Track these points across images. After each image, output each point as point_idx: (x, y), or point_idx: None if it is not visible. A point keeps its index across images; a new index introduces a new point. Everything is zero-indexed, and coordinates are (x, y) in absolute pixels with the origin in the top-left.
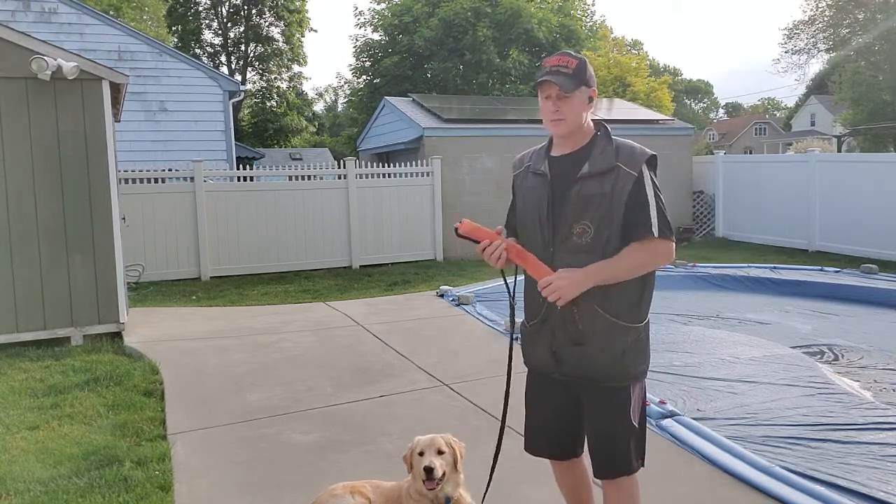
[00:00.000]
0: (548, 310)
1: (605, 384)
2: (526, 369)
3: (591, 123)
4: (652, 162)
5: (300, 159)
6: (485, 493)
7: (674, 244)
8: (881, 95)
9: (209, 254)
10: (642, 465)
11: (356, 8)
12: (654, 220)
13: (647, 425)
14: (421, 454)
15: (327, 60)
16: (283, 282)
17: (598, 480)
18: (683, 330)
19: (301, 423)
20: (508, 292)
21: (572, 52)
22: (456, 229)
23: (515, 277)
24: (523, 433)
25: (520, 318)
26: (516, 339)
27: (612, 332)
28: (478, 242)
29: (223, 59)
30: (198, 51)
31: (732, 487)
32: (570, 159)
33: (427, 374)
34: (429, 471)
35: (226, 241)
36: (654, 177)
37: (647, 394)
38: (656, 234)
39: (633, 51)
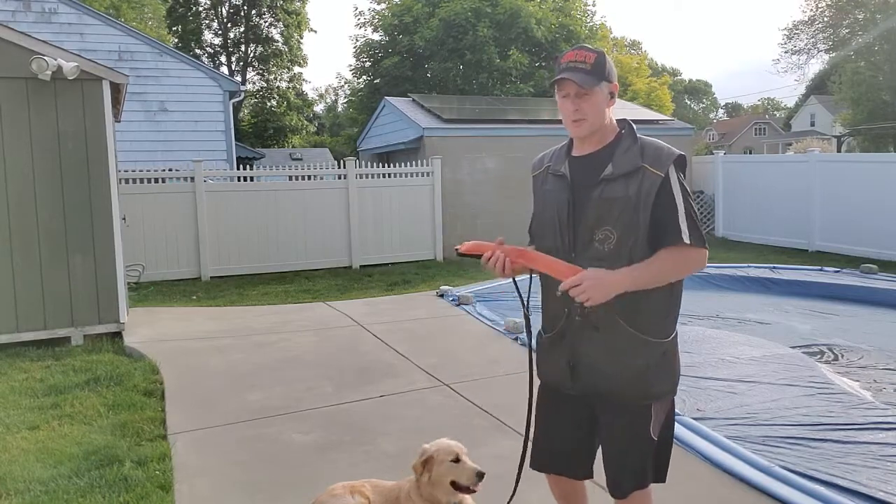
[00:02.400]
0: (567, 321)
1: (623, 401)
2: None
3: (615, 121)
4: (680, 162)
5: (300, 159)
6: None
7: (706, 251)
8: (881, 95)
9: (209, 254)
10: (662, 481)
11: (356, 8)
12: (684, 227)
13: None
14: (456, 460)
15: (327, 61)
16: (283, 282)
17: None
18: (683, 330)
19: (301, 423)
20: (522, 302)
21: (589, 46)
22: (456, 250)
23: (531, 285)
24: (531, 450)
25: (535, 326)
26: (515, 339)
27: (636, 347)
28: (479, 258)
29: (223, 59)
30: (198, 51)
31: (732, 487)
32: (592, 159)
33: (427, 374)
34: (481, 475)
35: (226, 241)
36: (682, 178)
37: None
38: (687, 242)
39: (632, 51)
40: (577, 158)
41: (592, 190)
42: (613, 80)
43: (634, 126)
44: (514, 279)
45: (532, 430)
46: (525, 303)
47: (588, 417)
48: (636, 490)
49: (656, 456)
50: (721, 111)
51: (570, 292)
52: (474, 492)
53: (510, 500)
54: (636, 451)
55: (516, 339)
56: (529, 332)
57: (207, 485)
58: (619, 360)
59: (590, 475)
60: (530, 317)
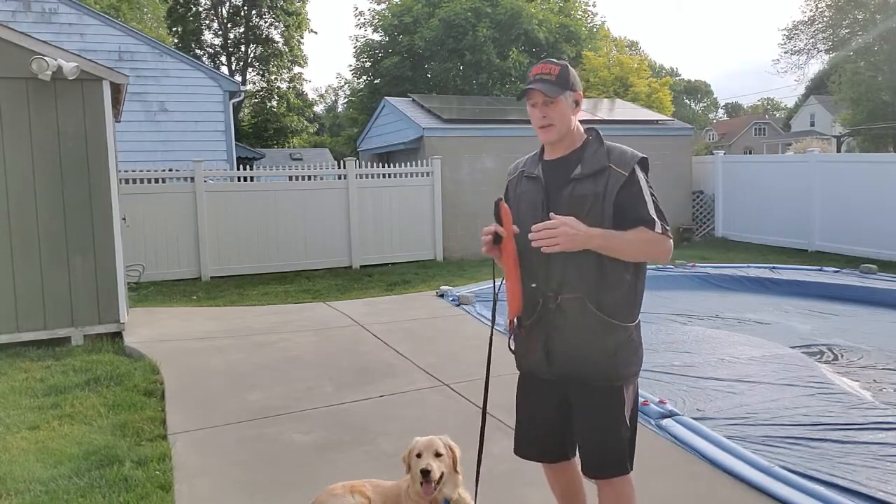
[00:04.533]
0: (542, 309)
1: (598, 383)
2: (516, 371)
3: (581, 128)
4: (643, 164)
5: (300, 159)
6: (476, 491)
7: (671, 243)
8: (881, 95)
9: (209, 254)
10: (631, 467)
11: (356, 8)
12: (655, 217)
13: (647, 425)
14: (419, 456)
15: (327, 61)
16: (284, 282)
17: (592, 481)
18: (683, 330)
19: (301, 423)
20: (494, 285)
21: (554, 60)
22: (499, 199)
23: (501, 278)
24: (514, 436)
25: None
26: (511, 337)
27: (606, 330)
28: (499, 222)
29: (223, 59)
30: (198, 51)
31: (732, 487)
32: (562, 162)
33: (427, 374)
34: (425, 473)
35: (226, 241)
36: (646, 177)
37: (648, 393)
38: (659, 231)
39: (631, 51)
40: (549, 162)
41: (564, 189)
42: (577, 90)
43: (619, 126)
44: (493, 264)
45: (515, 421)
46: (496, 288)
47: (565, 402)
48: (619, 475)
49: (630, 441)
50: (721, 111)
51: (544, 231)
52: (430, 492)
53: (478, 469)
54: (614, 433)
55: (511, 337)
56: (494, 310)
57: (207, 485)
58: (592, 344)
59: (568, 457)
60: (497, 301)
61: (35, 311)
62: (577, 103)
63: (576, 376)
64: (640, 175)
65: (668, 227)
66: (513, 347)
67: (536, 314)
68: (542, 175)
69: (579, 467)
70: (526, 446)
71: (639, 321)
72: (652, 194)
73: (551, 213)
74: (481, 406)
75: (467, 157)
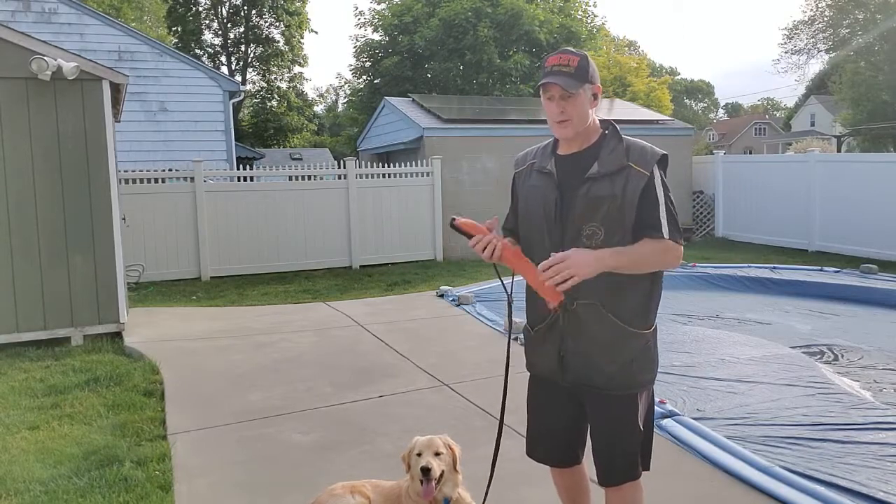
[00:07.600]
0: (555, 315)
1: (612, 391)
2: (524, 370)
3: (598, 121)
4: (663, 162)
5: (300, 159)
6: (486, 494)
7: (682, 248)
8: (881, 95)
9: (209, 254)
10: (647, 469)
11: (356, 8)
12: (664, 222)
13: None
14: (419, 455)
15: (328, 60)
16: (283, 282)
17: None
18: (683, 330)
19: (301, 423)
20: (505, 290)
21: (573, 49)
22: (452, 220)
23: (513, 277)
24: (525, 438)
25: (521, 319)
26: (515, 339)
27: (621, 337)
28: (469, 237)
29: (223, 59)
30: (198, 51)
31: (732, 487)
32: (577, 158)
33: (427, 374)
34: (426, 471)
35: (226, 241)
36: (664, 177)
37: None
38: (666, 236)
39: (630, 51)
40: (563, 157)
41: (579, 188)
42: (596, 82)
43: (619, 127)
44: (496, 268)
45: (527, 424)
46: (509, 291)
47: (578, 407)
48: (628, 481)
49: (643, 446)
50: (721, 111)
51: (554, 268)
52: (429, 493)
53: (488, 485)
54: (626, 441)
55: (516, 339)
56: (511, 321)
57: (207, 485)
58: (607, 351)
59: (577, 461)
60: (513, 305)
61: (35, 311)
62: (596, 97)
63: (590, 384)
64: (658, 176)
65: (678, 235)
66: (524, 350)
67: (550, 319)
68: (556, 171)
69: (587, 468)
70: (537, 449)
71: (655, 326)
72: (667, 196)
73: (551, 254)
74: (481, 406)
75: (467, 157)
